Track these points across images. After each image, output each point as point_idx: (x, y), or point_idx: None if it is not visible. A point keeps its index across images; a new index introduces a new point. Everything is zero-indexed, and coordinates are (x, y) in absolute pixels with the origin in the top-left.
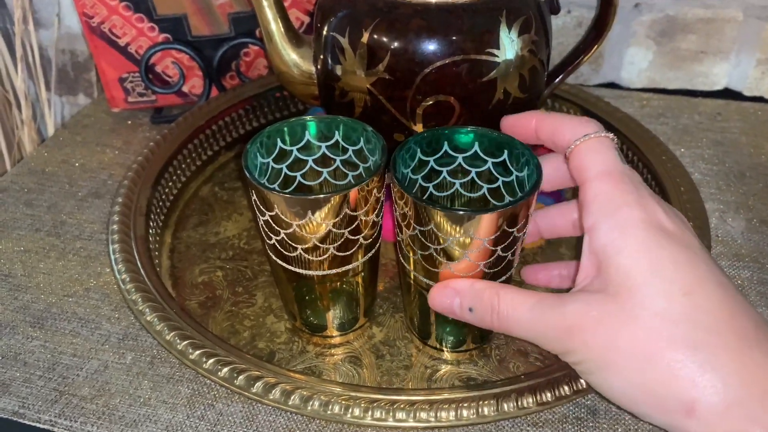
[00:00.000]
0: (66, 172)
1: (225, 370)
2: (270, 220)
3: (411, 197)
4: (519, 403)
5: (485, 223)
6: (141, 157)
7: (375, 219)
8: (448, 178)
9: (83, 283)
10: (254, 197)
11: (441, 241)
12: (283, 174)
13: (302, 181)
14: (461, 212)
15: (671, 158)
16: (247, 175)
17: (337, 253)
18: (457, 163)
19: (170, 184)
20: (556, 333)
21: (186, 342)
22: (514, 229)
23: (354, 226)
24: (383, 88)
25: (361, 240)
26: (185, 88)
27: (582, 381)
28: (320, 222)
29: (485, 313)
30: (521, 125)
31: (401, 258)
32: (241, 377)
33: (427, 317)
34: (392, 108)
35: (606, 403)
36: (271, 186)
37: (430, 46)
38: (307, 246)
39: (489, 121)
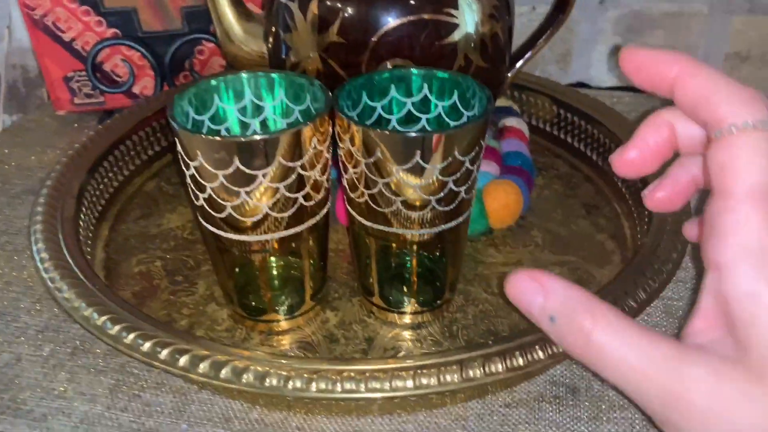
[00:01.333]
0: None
1: (165, 352)
2: (195, 174)
3: (356, 123)
4: (486, 369)
5: (435, 147)
6: (79, 144)
7: (318, 177)
8: (398, 127)
9: (4, 276)
10: (178, 148)
11: (389, 172)
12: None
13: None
14: (411, 135)
15: None
16: (170, 120)
17: (272, 214)
18: (406, 110)
19: (110, 174)
20: (662, 396)
21: (120, 326)
22: (467, 159)
23: (291, 180)
24: (336, 53)
25: (301, 200)
26: (136, 89)
27: (557, 346)
28: (250, 173)
29: (570, 331)
30: (656, 68)
31: (348, 206)
32: (183, 358)
33: (379, 273)
34: (346, 76)
35: (587, 381)
36: (194, 130)
37: (385, 7)
38: (235, 203)
39: None
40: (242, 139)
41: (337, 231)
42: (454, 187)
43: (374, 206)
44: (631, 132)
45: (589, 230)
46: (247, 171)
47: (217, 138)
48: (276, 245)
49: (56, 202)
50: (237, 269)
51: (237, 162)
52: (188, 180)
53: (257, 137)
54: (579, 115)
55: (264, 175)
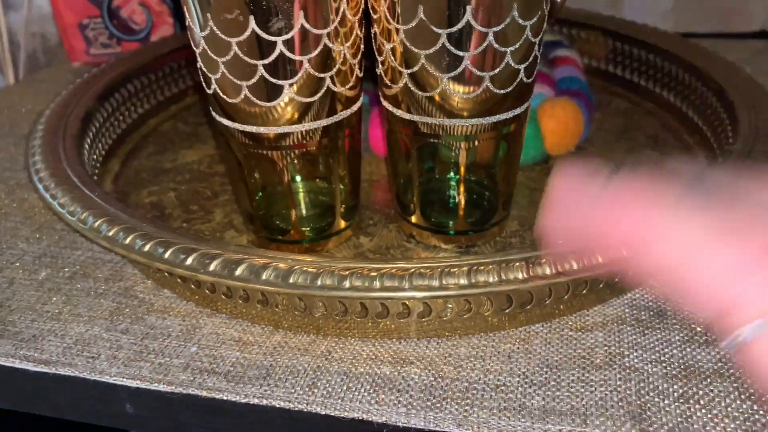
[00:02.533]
0: (9, 117)
1: (168, 252)
2: (206, 48)
3: None
4: (558, 267)
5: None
6: (88, 74)
7: (349, 56)
8: None
9: (3, 208)
10: (186, 15)
11: (433, 40)
12: None
13: None
14: None
15: (716, 57)
16: None
17: (296, 98)
18: None
19: (122, 109)
20: None
21: (118, 227)
22: (528, 24)
23: (317, 52)
24: None
25: (329, 83)
26: (154, 37)
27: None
28: (268, 38)
29: None
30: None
31: (384, 103)
32: (191, 257)
33: (420, 186)
34: None
35: (673, 306)
36: None
37: None
38: (252, 81)
39: None
40: None
41: (370, 163)
42: (512, 62)
43: (416, 90)
44: (693, 52)
45: (657, 159)
46: (264, 36)
47: None
48: (297, 140)
49: (60, 121)
50: (260, 192)
51: (253, 24)
52: (198, 61)
53: None
54: (639, 46)
55: (284, 43)
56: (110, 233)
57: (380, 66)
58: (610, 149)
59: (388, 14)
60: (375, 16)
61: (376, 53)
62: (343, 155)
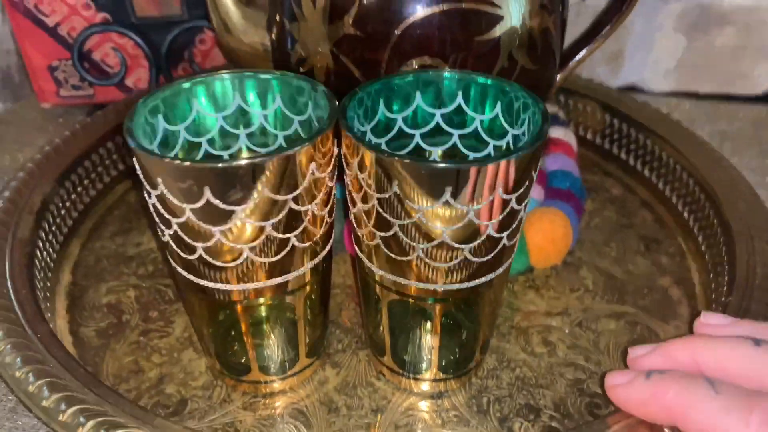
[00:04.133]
0: None
1: (90, 424)
2: (158, 205)
3: (367, 146)
4: None
5: (473, 182)
6: (50, 147)
7: (318, 212)
8: (423, 145)
9: None
10: (137, 169)
11: (409, 212)
12: (202, 150)
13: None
14: (440, 166)
15: (719, 159)
16: (125, 135)
17: (256, 259)
18: (434, 123)
19: (86, 182)
20: None
21: (42, 380)
22: (513, 197)
23: (280, 217)
24: (350, 48)
25: (294, 242)
26: (129, 81)
27: None
28: (224, 208)
29: None
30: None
31: (355, 246)
32: None
33: (392, 331)
34: (361, 76)
35: None
36: (152, 149)
37: None
38: (208, 244)
39: None
40: (214, 165)
41: (345, 261)
42: (494, 234)
43: (388, 252)
44: (694, 146)
45: (649, 271)
46: (221, 206)
47: (181, 163)
48: (264, 293)
49: (8, 218)
50: (215, 321)
51: (208, 194)
52: (151, 210)
53: (233, 163)
54: (633, 125)
55: (244, 211)
56: (47, 403)
57: (351, 212)
58: (599, 255)
59: (361, 176)
60: (348, 170)
61: (348, 199)
62: (310, 300)
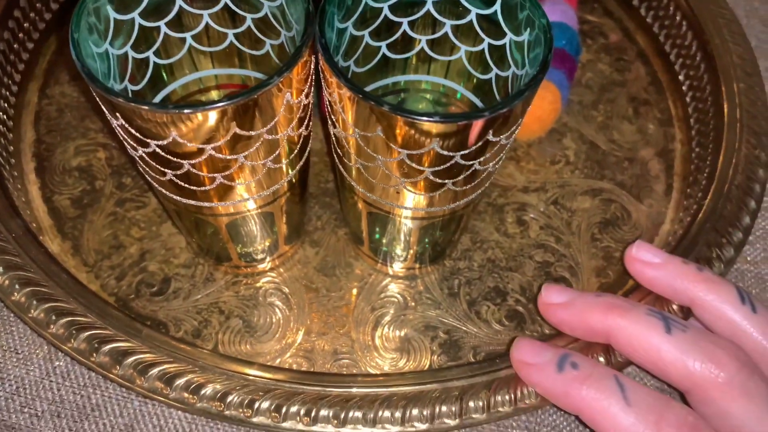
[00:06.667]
0: None
1: (61, 322)
2: (121, 132)
3: (348, 87)
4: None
5: (462, 134)
6: None
7: (293, 132)
8: (410, 33)
9: None
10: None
11: (392, 153)
12: (162, 35)
13: (193, 44)
14: (426, 119)
15: (725, 16)
16: (75, 60)
17: (229, 183)
18: (424, 11)
19: (32, 15)
20: None
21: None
22: (501, 137)
23: (253, 149)
24: None
25: (270, 164)
26: None
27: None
28: (193, 146)
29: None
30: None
31: (335, 158)
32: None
33: (371, 235)
34: None
35: None
36: (119, 91)
37: None
38: (179, 172)
39: None
40: (174, 111)
41: (316, 125)
42: (479, 167)
43: (369, 178)
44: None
45: (633, 140)
46: (189, 144)
47: (139, 107)
48: (240, 207)
49: None
50: (189, 220)
51: (174, 134)
52: (116, 129)
53: (200, 110)
54: None
55: (213, 149)
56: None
57: (331, 129)
58: (586, 120)
59: (339, 107)
60: (327, 89)
61: (328, 116)
62: (288, 203)
